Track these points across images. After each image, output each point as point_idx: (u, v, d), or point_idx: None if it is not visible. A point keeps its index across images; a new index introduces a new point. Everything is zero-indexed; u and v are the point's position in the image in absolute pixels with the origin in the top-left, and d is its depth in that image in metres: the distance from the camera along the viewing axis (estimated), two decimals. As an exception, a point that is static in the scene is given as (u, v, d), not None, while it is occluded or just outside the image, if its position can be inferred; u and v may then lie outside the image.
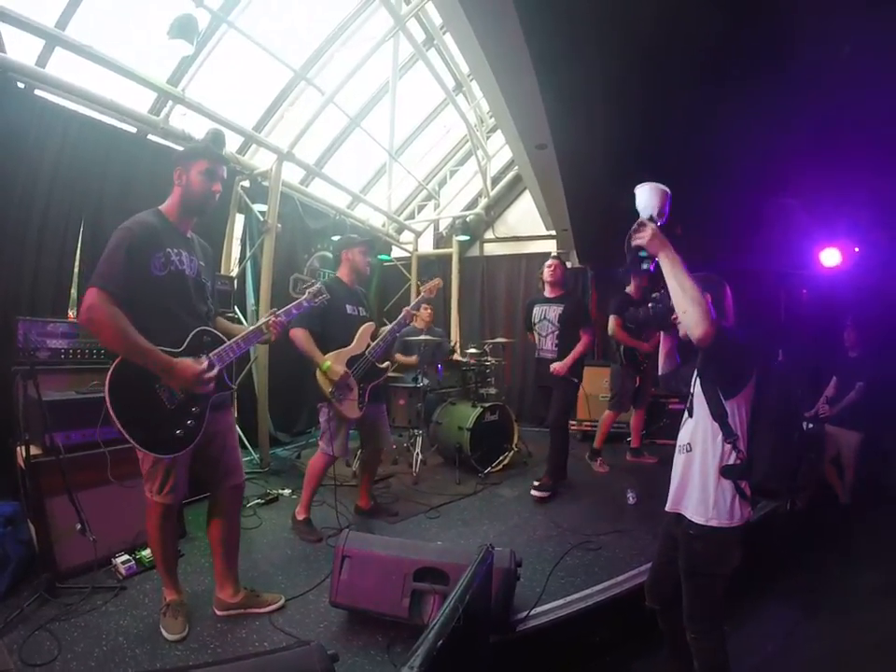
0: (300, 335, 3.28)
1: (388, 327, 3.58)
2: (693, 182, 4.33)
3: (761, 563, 2.98)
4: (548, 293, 4.50)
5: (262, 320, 2.44)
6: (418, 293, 7.99)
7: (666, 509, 2.00)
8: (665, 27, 2.78)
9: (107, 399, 2.00)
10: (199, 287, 2.32)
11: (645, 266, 1.82)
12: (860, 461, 4.58)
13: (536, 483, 4.30)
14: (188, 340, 2.17)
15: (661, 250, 1.74)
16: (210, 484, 2.48)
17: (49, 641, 2.19)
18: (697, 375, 1.94)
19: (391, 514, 3.86)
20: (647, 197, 1.84)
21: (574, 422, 6.71)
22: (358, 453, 4.35)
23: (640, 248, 1.78)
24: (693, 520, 1.86)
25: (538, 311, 4.52)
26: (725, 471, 1.81)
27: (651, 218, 1.81)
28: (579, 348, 4.29)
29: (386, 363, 3.66)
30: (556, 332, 4.34)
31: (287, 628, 2.42)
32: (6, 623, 2.25)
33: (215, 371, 2.19)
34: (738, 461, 1.80)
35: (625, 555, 3.22)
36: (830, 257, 5.62)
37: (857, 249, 5.53)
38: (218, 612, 2.50)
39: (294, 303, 2.57)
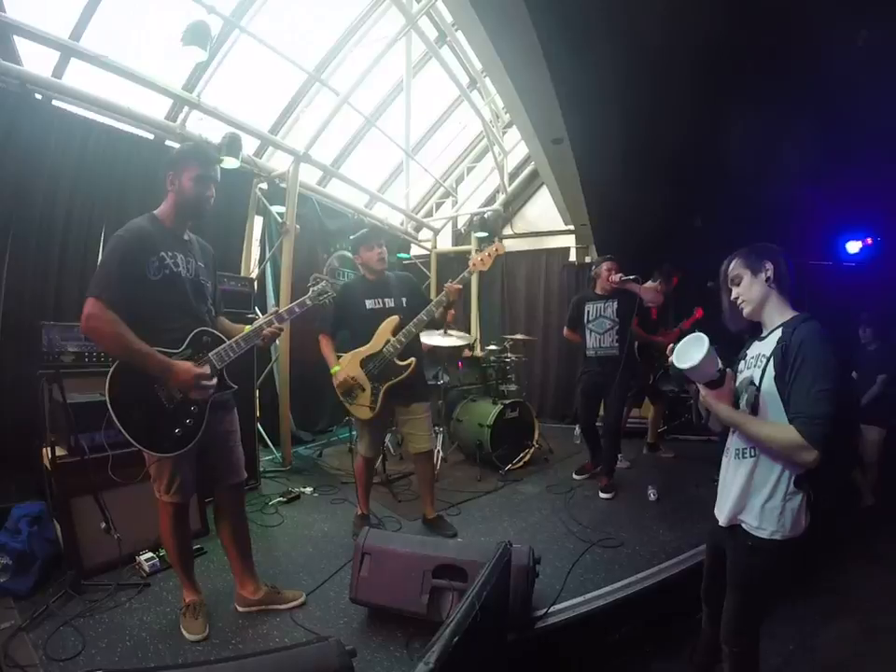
0: (321, 341, 3.40)
1: (416, 318, 3.31)
2: (714, 176, 4.30)
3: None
4: (599, 290, 4.47)
5: (261, 320, 2.44)
6: (438, 291, 8.03)
7: (721, 523, 1.80)
8: (674, 23, 2.75)
9: (108, 400, 2.07)
10: (197, 287, 2.33)
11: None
12: (883, 458, 4.44)
13: (602, 491, 4.27)
14: (187, 340, 2.20)
15: (714, 409, 1.73)
16: (211, 484, 2.49)
17: (73, 637, 2.24)
18: (766, 366, 1.68)
19: (449, 533, 3.50)
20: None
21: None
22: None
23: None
24: (754, 533, 1.68)
25: (591, 308, 4.48)
26: (800, 482, 1.62)
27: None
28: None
29: (409, 360, 3.28)
30: (616, 328, 4.34)
31: (308, 624, 2.43)
32: (32, 619, 2.31)
33: (210, 372, 2.21)
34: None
35: (646, 553, 3.18)
36: (853, 245, 5.59)
37: (869, 241, 5.44)
38: (240, 609, 2.54)
39: (297, 302, 2.58)
